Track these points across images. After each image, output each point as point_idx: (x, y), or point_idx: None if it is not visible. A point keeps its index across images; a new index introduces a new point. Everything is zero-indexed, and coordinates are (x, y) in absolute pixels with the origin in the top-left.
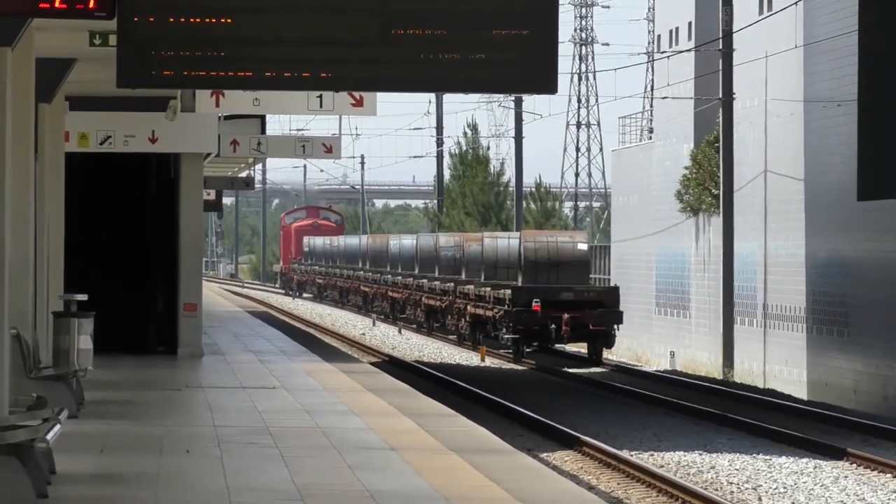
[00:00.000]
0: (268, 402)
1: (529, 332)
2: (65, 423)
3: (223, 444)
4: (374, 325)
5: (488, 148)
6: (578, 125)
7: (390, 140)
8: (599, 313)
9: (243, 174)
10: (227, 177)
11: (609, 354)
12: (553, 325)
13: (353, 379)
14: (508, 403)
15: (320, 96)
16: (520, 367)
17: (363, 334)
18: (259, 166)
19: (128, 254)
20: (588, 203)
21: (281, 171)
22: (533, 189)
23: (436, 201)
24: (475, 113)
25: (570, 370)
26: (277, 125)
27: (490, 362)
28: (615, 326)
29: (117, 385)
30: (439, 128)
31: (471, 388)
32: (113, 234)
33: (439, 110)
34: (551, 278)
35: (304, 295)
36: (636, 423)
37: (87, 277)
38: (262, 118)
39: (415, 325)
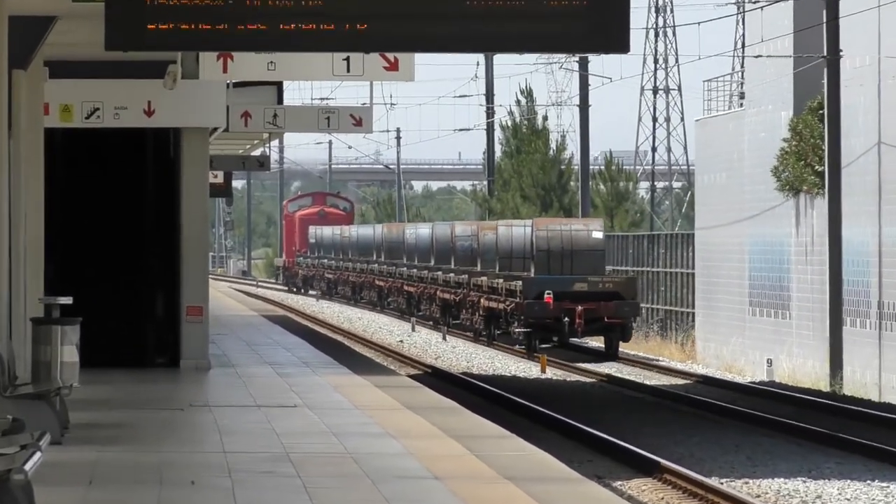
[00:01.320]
0: (287, 424)
1: (541, 326)
2: (46, 451)
3: (234, 473)
4: (413, 330)
5: (547, 118)
6: (655, 90)
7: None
8: (615, 305)
9: (257, 152)
10: (238, 156)
11: (626, 348)
12: (566, 318)
13: (389, 395)
14: (574, 422)
15: (347, 58)
16: (587, 380)
17: (400, 341)
18: (275, 143)
19: (120, 248)
20: (667, 183)
21: (301, 148)
22: (602, 167)
23: (485, 183)
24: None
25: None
26: (297, 94)
27: (552, 373)
28: (632, 319)
29: (108, 404)
30: (489, 95)
31: (529, 405)
32: (102, 226)
33: (489, 74)
34: (565, 268)
35: (311, 292)
36: (727, 445)
37: (71, 277)
38: (279, 86)
39: (470, 333)
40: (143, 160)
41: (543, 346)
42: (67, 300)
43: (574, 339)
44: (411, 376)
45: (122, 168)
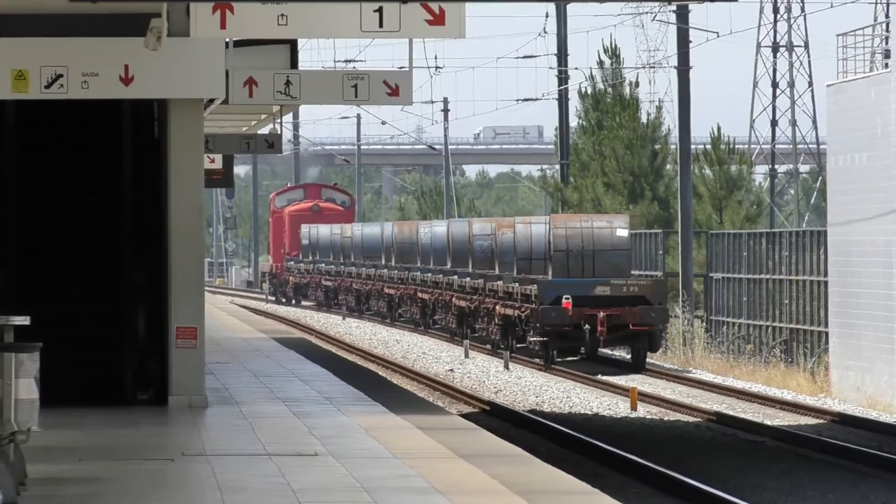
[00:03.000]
0: (307, 477)
1: (559, 334)
2: None
3: None
4: (466, 356)
5: (637, 84)
6: (775, 48)
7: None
8: (640, 311)
9: (265, 130)
10: (241, 135)
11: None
12: (586, 326)
13: (435, 439)
14: (677, 475)
15: (380, 9)
16: (690, 419)
17: (450, 371)
18: (288, 118)
19: (91, 254)
20: (791, 166)
21: (322, 125)
22: (707, 146)
23: (558, 167)
24: (616, 32)
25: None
26: (315, 56)
27: (644, 411)
28: (661, 327)
29: (77, 453)
30: (562, 56)
31: (618, 452)
32: (68, 225)
33: (561, 29)
34: (586, 270)
35: (305, 303)
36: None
37: (28, 290)
38: (293, 45)
39: (536, 360)
40: (119, 141)
41: (568, 358)
42: (24, 320)
43: (604, 350)
44: (464, 415)
45: (92, 151)
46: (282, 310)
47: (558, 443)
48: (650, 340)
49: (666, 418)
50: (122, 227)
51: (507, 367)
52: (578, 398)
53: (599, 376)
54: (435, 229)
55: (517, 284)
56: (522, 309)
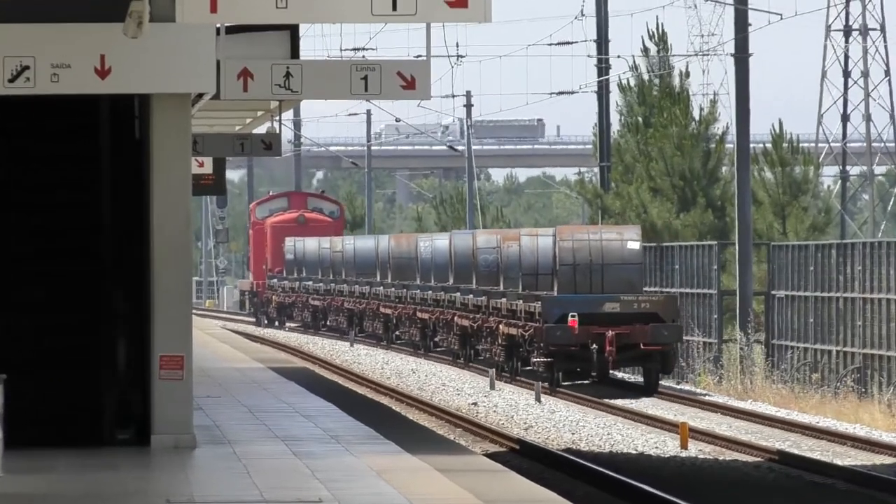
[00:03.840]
0: None
1: (565, 355)
2: None
3: None
4: (492, 387)
5: (688, 75)
6: (847, 31)
7: (516, 66)
8: (652, 329)
9: (261, 130)
10: (234, 135)
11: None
12: (594, 346)
13: (457, 482)
14: None
15: None
16: (749, 459)
17: (474, 404)
18: (288, 116)
19: (62, 272)
20: (865, 167)
21: (327, 123)
22: (768, 145)
23: (596, 170)
24: (664, 14)
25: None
26: (319, 43)
27: (696, 449)
28: (674, 346)
29: (46, 501)
30: (602, 42)
31: (666, 497)
32: (36, 239)
33: (601, 10)
34: (594, 286)
35: (290, 324)
36: None
37: None
38: (293, 32)
39: (582, 394)
40: (94, 143)
41: (579, 381)
42: None
43: (618, 373)
44: (490, 455)
45: (64, 154)
46: (280, 336)
47: (598, 486)
48: (663, 361)
49: (721, 458)
50: (99, 243)
51: (538, 399)
52: (621, 435)
53: (608, 400)
54: (436, 243)
55: (521, 301)
56: (526, 328)
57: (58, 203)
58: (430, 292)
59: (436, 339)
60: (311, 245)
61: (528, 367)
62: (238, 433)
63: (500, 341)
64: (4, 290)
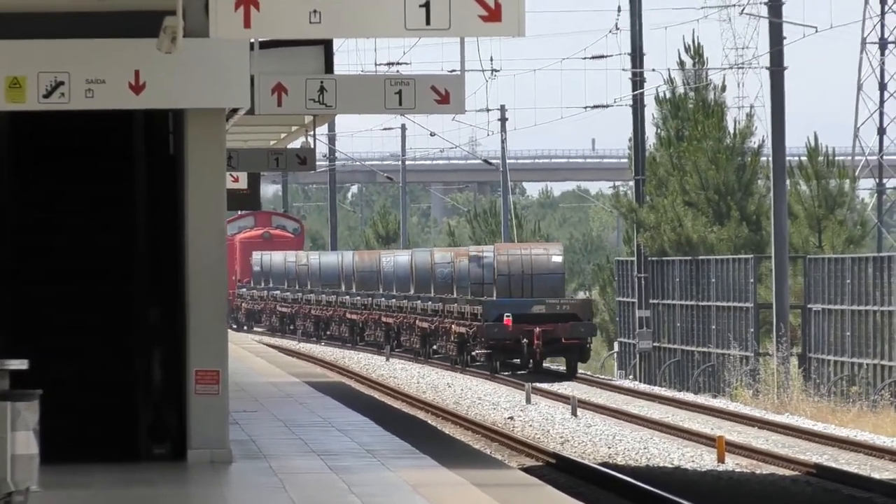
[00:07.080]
0: None
1: (501, 347)
2: None
3: None
4: (528, 401)
5: (723, 88)
6: (883, 44)
7: (550, 79)
8: (571, 326)
9: (296, 144)
10: (268, 150)
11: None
12: (524, 339)
13: (494, 497)
14: None
15: (427, 4)
16: (786, 473)
17: (510, 418)
18: (323, 130)
19: (97, 288)
20: None
21: (362, 137)
22: (804, 158)
23: (632, 184)
24: (699, 28)
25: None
26: (353, 58)
27: (733, 463)
28: (589, 339)
29: None
30: (637, 55)
31: None
32: (71, 256)
33: (636, 23)
34: (525, 292)
35: (257, 328)
36: None
37: (27, 331)
38: (327, 46)
39: (612, 411)
40: (129, 158)
41: (518, 370)
42: (21, 364)
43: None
44: (526, 469)
45: (98, 170)
46: (317, 350)
47: (635, 500)
48: (580, 352)
49: (758, 471)
50: (134, 257)
51: (574, 413)
52: (657, 448)
53: (537, 384)
54: (398, 258)
55: (468, 305)
56: (472, 327)
57: (92, 212)
58: (393, 300)
59: (400, 339)
60: (277, 258)
61: (477, 362)
62: (274, 448)
63: (452, 338)
64: (45, 311)
